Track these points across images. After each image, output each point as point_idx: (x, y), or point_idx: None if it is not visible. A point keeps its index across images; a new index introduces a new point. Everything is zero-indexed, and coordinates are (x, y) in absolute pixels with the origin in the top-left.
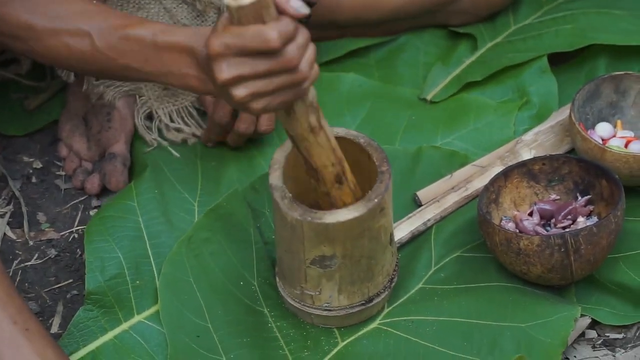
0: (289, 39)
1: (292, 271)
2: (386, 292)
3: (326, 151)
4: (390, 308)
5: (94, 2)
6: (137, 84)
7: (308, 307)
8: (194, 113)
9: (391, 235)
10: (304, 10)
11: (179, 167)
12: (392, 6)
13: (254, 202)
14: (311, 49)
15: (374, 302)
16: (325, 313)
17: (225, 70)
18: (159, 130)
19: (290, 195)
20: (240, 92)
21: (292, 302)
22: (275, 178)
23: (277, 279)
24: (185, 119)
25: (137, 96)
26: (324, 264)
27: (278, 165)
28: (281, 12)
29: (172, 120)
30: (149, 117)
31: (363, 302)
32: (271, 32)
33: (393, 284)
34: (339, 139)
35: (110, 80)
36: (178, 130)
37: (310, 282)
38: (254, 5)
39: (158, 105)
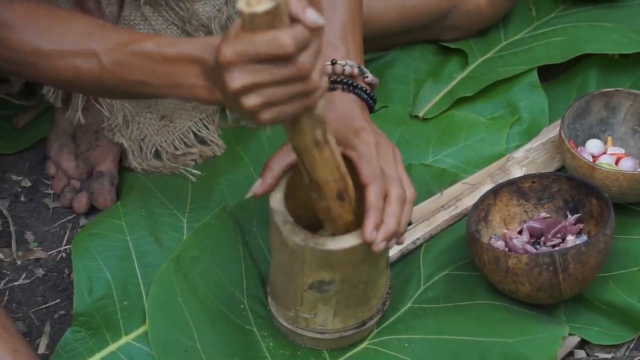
0: (303, 46)
1: (287, 294)
2: (379, 315)
3: (330, 167)
4: (380, 328)
5: (100, 21)
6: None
7: (301, 329)
8: (191, 136)
9: (387, 259)
10: (320, 21)
11: (167, 183)
12: (383, 22)
13: (242, 220)
14: (321, 59)
15: (367, 325)
16: (318, 336)
17: (237, 78)
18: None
19: (292, 219)
20: (251, 100)
21: (285, 324)
22: (276, 201)
23: (269, 299)
24: (188, 143)
25: (141, 140)
26: (322, 289)
27: (279, 188)
28: (296, 21)
29: (176, 148)
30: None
31: (357, 325)
32: (286, 37)
33: (386, 307)
34: None
35: (119, 100)
36: (184, 155)
37: (305, 306)
38: (268, 13)
39: (160, 138)
